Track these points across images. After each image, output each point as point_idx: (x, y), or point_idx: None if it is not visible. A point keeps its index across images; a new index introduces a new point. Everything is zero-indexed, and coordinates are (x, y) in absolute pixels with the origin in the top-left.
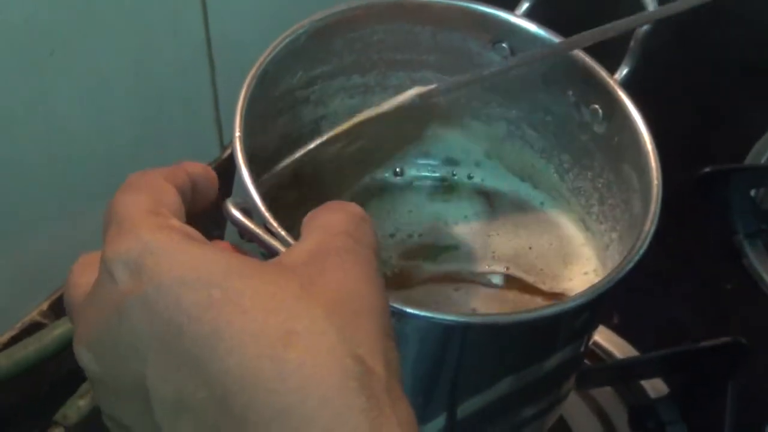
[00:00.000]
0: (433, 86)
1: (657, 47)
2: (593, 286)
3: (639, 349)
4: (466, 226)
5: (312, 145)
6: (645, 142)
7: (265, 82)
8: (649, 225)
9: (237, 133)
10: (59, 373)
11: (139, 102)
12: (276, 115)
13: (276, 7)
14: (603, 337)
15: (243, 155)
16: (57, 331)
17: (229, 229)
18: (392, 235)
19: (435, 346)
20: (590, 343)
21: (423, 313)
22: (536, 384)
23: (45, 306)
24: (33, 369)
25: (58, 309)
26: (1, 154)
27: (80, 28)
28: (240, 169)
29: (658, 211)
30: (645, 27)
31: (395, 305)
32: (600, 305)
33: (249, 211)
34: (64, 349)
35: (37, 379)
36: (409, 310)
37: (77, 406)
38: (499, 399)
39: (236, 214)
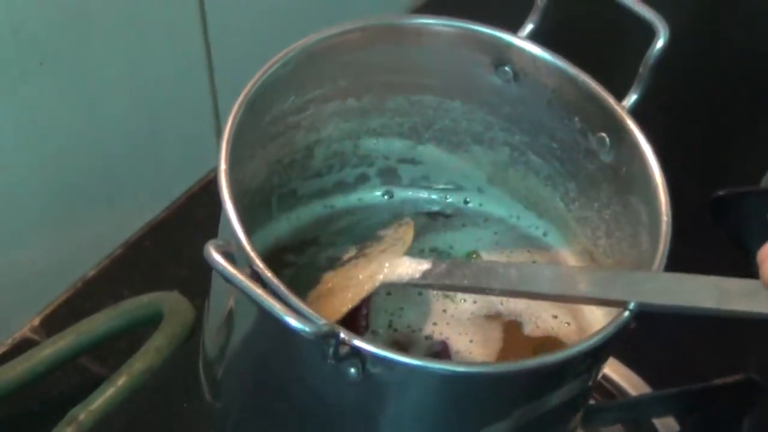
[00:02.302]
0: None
1: (667, 66)
2: (596, 333)
3: (651, 383)
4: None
5: None
6: (654, 174)
7: (254, 108)
8: (657, 266)
9: (222, 166)
10: (49, 393)
11: (134, 111)
12: (267, 141)
13: (278, 13)
14: (614, 371)
15: (228, 190)
16: (46, 351)
17: (215, 274)
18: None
19: (431, 394)
20: (599, 377)
21: (420, 363)
22: (537, 424)
23: (36, 321)
24: (22, 389)
25: (49, 325)
26: None
27: (71, 37)
28: (225, 204)
29: (666, 252)
30: (656, 51)
31: (388, 354)
32: (605, 348)
33: (232, 255)
34: (55, 369)
35: (25, 398)
36: (405, 359)
37: None
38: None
39: (217, 258)
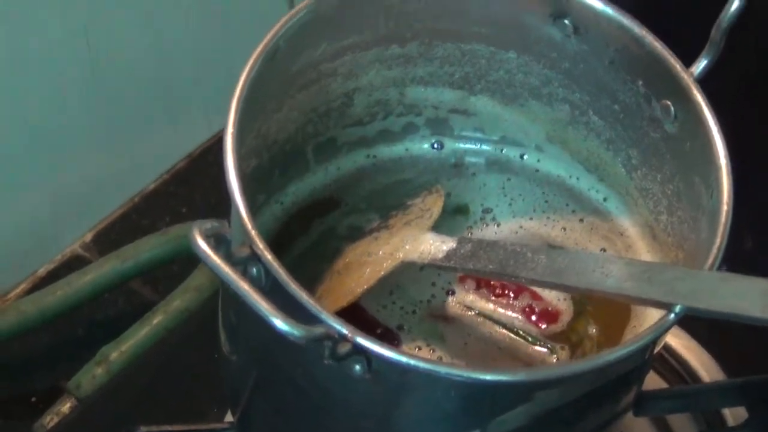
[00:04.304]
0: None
1: (746, 30)
2: (633, 340)
3: (726, 368)
4: (513, 219)
5: None
6: (718, 154)
7: (275, 59)
8: (712, 260)
9: (230, 129)
10: (95, 317)
11: (201, 19)
12: (295, 91)
13: None
14: (688, 352)
15: (234, 156)
16: (89, 276)
17: None
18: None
19: (448, 395)
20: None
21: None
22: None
23: (88, 237)
24: (62, 316)
25: (102, 242)
26: (43, 76)
27: None
28: (228, 172)
29: (723, 247)
30: (730, 14)
31: (393, 355)
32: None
33: (226, 237)
34: (98, 296)
35: (70, 322)
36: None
37: (92, 374)
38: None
39: (201, 245)
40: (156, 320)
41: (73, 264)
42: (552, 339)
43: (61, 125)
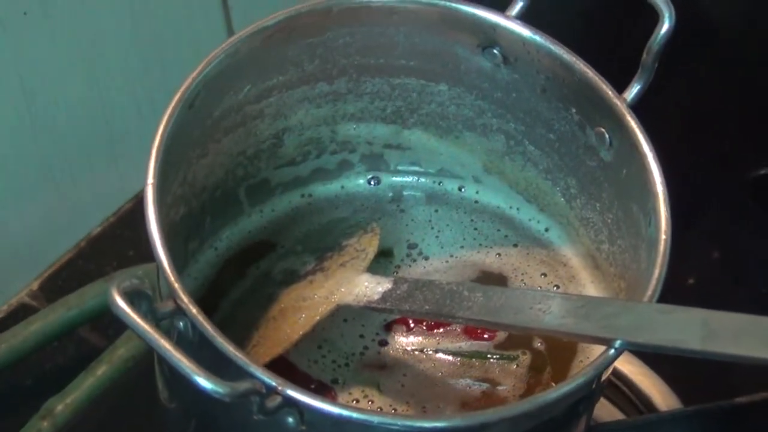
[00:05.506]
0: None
1: (676, 55)
2: (581, 372)
3: (683, 397)
4: (441, 250)
5: None
6: (654, 182)
7: (194, 107)
8: (651, 292)
9: (150, 180)
10: (43, 367)
11: (138, 59)
12: (220, 135)
13: None
14: (644, 381)
15: (155, 207)
16: (34, 326)
17: None
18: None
19: None
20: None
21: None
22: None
23: (35, 286)
24: (9, 367)
25: (49, 289)
26: None
27: None
28: (150, 224)
29: (662, 278)
30: (660, 37)
31: (322, 405)
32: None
33: (146, 293)
34: (44, 346)
35: (17, 372)
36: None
37: (37, 428)
38: None
39: (120, 304)
40: (101, 370)
41: (20, 313)
42: (505, 348)
43: (5, 173)
